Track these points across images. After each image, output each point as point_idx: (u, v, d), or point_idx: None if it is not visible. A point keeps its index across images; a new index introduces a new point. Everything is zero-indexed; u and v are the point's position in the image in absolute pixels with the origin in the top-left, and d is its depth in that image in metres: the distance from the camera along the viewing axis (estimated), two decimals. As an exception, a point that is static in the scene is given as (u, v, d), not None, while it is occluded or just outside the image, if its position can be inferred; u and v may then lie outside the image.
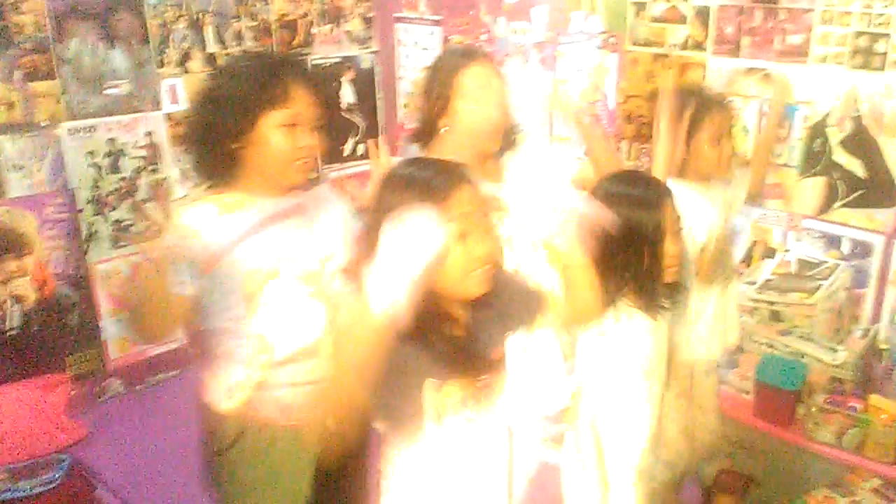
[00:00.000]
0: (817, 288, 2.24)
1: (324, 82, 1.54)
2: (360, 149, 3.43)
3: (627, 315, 1.57)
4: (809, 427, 2.20)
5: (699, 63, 2.37)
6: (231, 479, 1.50)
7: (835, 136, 2.21)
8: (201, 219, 1.39)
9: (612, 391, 1.60)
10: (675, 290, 1.64)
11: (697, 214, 1.82)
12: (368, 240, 1.09)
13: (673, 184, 1.89)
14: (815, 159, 2.26)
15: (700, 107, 1.87)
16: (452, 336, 1.15)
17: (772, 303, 2.30)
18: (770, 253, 2.38)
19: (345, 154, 3.36)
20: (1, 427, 2.45)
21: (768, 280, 2.33)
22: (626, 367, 1.59)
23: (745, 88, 2.31)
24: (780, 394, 2.24)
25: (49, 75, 2.46)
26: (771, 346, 2.30)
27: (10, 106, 2.45)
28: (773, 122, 2.19)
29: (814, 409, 2.18)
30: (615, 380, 1.60)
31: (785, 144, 2.29)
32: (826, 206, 2.28)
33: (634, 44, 2.56)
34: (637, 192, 1.56)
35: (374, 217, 1.11)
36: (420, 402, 1.13)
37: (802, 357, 2.25)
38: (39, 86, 2.48)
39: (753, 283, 2.33)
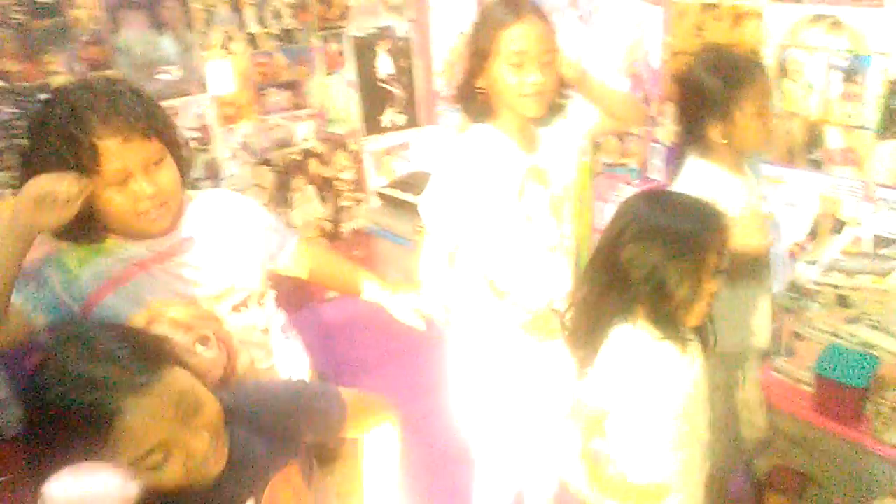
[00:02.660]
0: (893, 269, 1.93)
1: (156, 108, 1.28)
2: (400, 119, 3.40)
3: (648, 337, 1.33)
4: (878, 427, 1.94)
5: (755, 12, 2.08)
6: None
7: (923, 91, 1.86)
8: (74, 261, 1.29)
9: (633, 428, 1.40)
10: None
11: (729, 201, 1.59)
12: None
13: (701, 166, 1.70)
14: (897, 119, 1.92)
15: (742, 71, 1.64)
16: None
17: (838, 286, 2.02)
18: (839, 227, 2.08)
19: (382, 125, 3.36)
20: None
21: (836, 259, 2.05)
22: (650, 404, 1.36)
23: (810, 39, 2.00)
24: (845, 389, 1.98)
25: (107, 65, 2.61)
26: (835, 336, 2.03)
27: (78, 96, 2.63)
28: None
29: (885, 408, 1.92)
30: (638, 416, 1.38)
31: (858, 102, 1.96)
32: (910, 173, 1.94)
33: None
34: (677, 225, 1.28)
35: None
36: None
37: (872, 349, 1.97)
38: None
39: (815, 263, 2.06)
